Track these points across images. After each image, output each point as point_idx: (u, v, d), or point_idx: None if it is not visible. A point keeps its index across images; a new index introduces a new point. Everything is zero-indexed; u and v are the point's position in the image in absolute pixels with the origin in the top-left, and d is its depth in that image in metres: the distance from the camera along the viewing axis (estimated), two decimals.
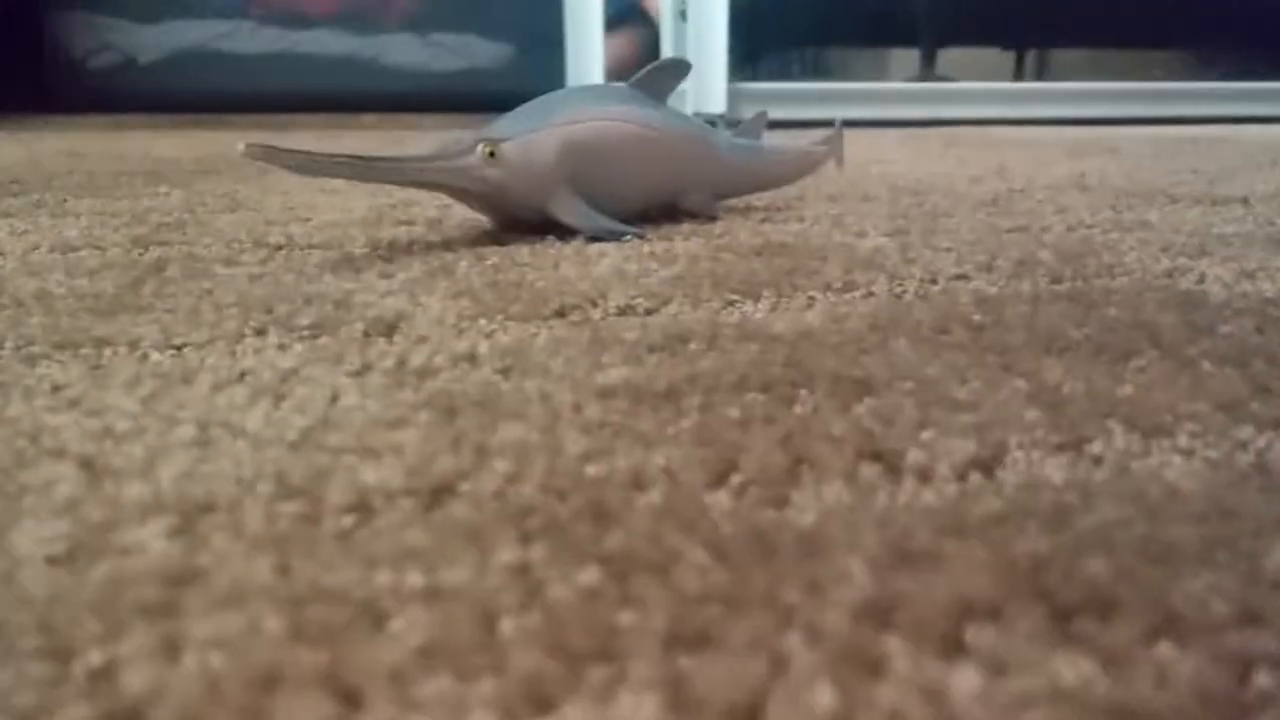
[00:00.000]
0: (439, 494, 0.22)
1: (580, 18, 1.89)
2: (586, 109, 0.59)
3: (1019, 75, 3.07)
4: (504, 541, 0.19)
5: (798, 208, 0.70)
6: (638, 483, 0.23)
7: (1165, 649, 0.16)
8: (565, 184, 0.57)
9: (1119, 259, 0.50)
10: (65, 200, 0.71)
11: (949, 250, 0.52)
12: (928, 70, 3.29)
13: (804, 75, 2.54)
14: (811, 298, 0.42)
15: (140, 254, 0.50)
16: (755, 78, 2.04)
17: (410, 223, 0.62)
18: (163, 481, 0.22)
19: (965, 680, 0.15)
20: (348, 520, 0.20)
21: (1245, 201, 0.73)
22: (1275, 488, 0.22)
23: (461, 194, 0.56)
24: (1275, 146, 1.29)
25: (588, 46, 1.88)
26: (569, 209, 0.57)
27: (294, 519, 0.21)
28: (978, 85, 2.14)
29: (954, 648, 0.16)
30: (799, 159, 0.72)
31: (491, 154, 0.54)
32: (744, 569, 0.18)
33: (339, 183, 0.84)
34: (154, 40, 2.32)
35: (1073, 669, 0.15)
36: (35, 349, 0.33)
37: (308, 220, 0.61)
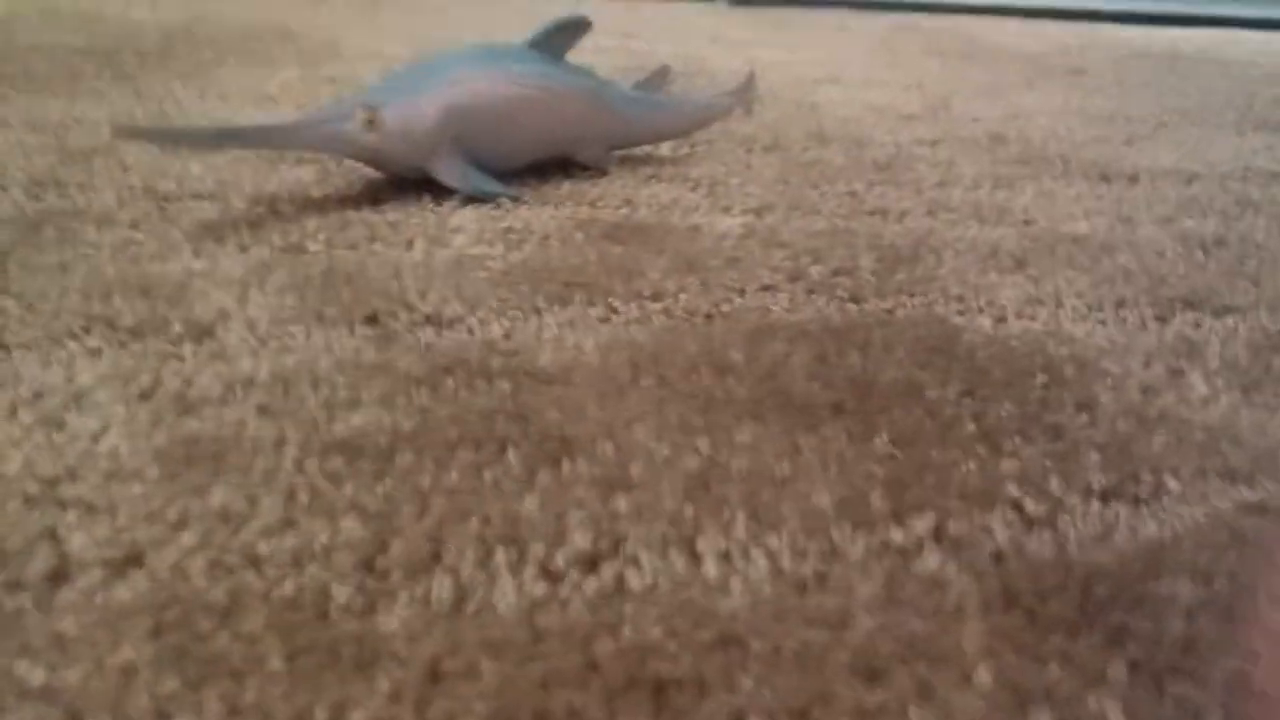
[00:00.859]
0: (124, 566, 0.27)
1: None
2: (473, 72, 0.61)
3: None
4: (132, 637, 0.25)
5: (698, 159, 0.73)
6: (295, 560, 0.28)
7: None
8: (445, 146, 0.60)
9: (932, 272, 0.53)
10: (5, 95, 0.75)
11: (784, 246, 0.56)
12: None
13: None
14: (612, 310, 0.46)
15: (31, 202, 0.55)
16: None
17: (311, 162, 0.66)
18: None
19: None
20: (36, 595, 0.26)
21: (1134, 179, 0.75)
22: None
23: (342, 155, 0.60)
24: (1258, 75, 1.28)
25: None
26: (449, 171, 0.60)
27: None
28: None
29: None
30: (698, 112, 0.75)
31: (370, 120, 0.57)
32: (309, 679, 0.24)
33: (273, 89, 0.87)
34: None
35: None
36: None
37: (207, 160, 0.65)
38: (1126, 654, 0.26)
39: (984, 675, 0.25)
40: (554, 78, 0.65)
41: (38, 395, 0.35)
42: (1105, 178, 0.74)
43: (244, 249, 0.50)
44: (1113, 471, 0.34)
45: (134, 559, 0.28)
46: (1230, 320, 0.48)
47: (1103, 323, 0.48)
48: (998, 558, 0.30)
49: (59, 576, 0.27)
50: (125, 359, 0.39)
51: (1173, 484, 0.34)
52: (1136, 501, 0.33)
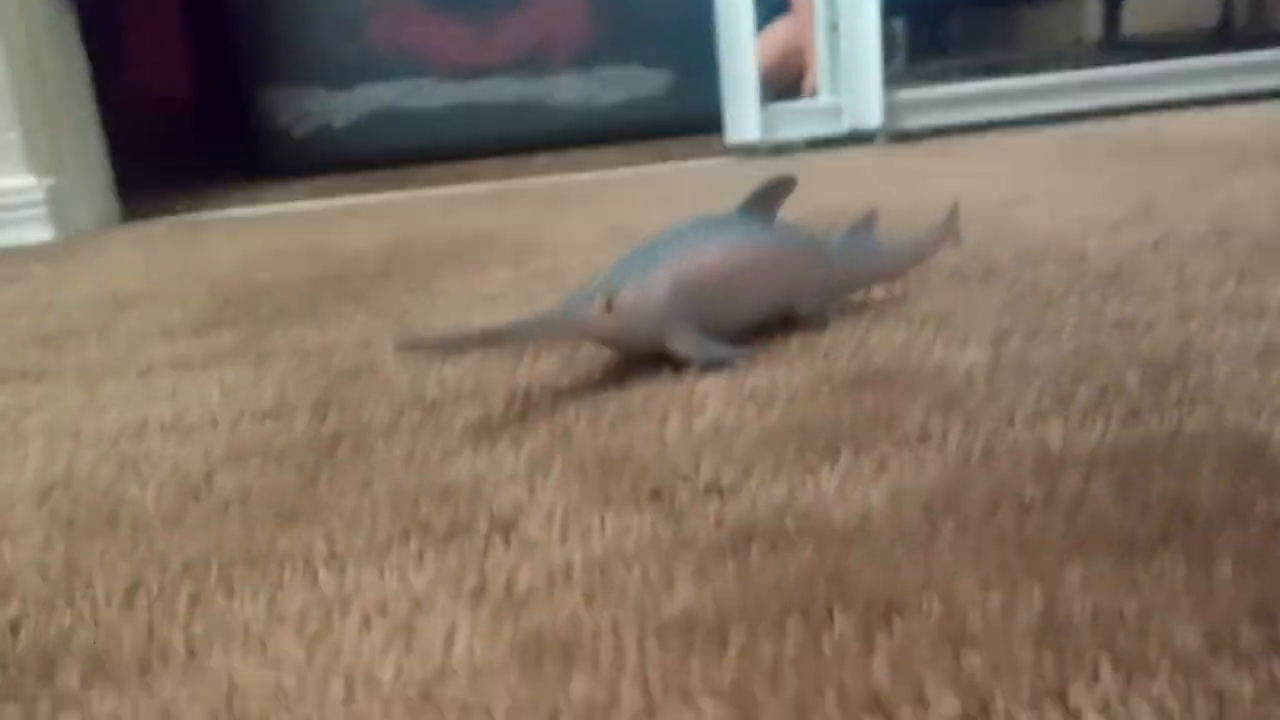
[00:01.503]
0: None
1: (732, 38, 1.92)
2: (695, 244, 0.64)
3: (1225, 27, 2.88)
4: None
5: (914, 297, 0.73)
6: None
7: None
8: (678, 320, 0.63)
9: (1208, 378, 0.51)
10: (269, 334, 0.83)
11: (1037, 372, 0.55)
12: (1112, 32, 3.13)
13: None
14: (884, 458, 0.46)
15: (320, 424, 0.60)
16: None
17: (549, 353, 0.70)
18: None
19: None
20: None
21: None
22: None
23: (585, 340, 0.63)
24: None
25: (741, 66, 1.91)
26: (683, 343, 0.63)
27: None
28: (1157, 67, 2.03)
29: None
30: (910, 252, 0.75)
31: (608, 306, 0.60)
32: None
33: (491, 289, 0.93)
34: (347, 105, 2.51)
35: None
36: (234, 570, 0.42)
37: (460, 363, 0.69)
38: None
39: None
40: (771, 239, 0.67)
41: (382, 604, 0.38)
42: None
43: (517, 443, 0.53)
44: None
45: None
46: None
47: None
48: None
49: None
50: (448, 560, 0.41)
51: None
52: None
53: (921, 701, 0.29)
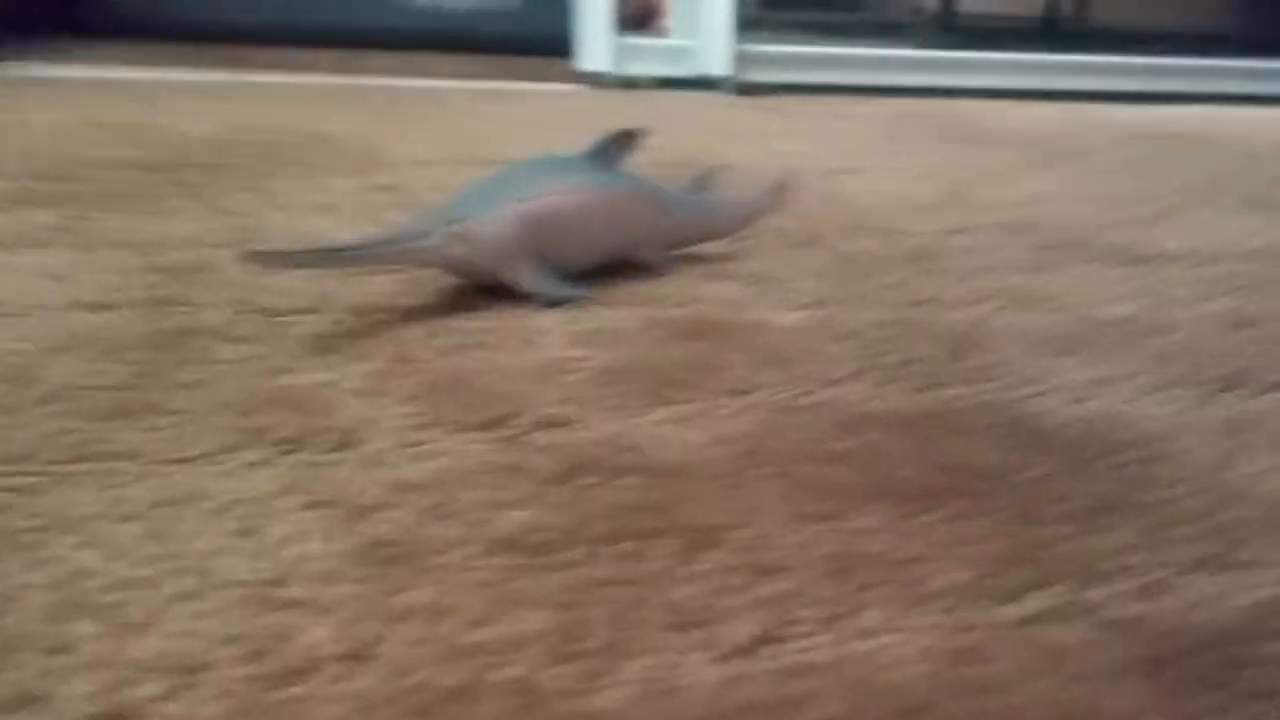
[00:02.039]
0: (359, 659, 0.31)
1: None
2: (544, 183, 0.66)
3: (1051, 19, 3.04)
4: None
5: (744, 256, 0.78)
6: (505, 650, 0.32)
7: None
8: (524, 255, 0.65)
9: (994, 358, 0.58)
10: (92, 218, 0.79)
11: (850, 337, 0.60)
12: (948, 8, 3.25)
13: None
14: (708, 405, 0.50)
15: (159, 320, 0.59)
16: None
17: (392, 272, 0.70)
18: (161, 639, 0.31)
19: None
20: (295, 687, 0.29)
21: (1158, 261, 0.80)
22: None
23: (430, 266, 0.64)
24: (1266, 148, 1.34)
25: None
26: (527, 278, 0.65)
27: (252, 681, 0.30)
28: (996, 56, 2.15)
29: None
30: (744, 212, 0.80)
31: (457, 234, 0.62)
32: None
33: (334, 199, 0.92)
34: None
35: None
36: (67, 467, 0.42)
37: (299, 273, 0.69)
38: (1246, 711, 0.30)
39: None
40: (618, 185, 0.70)
41: (228, 505, 0.39)
42: (1132, 260, 0.79)
43: (361, 359, 0.54)
44: (1205, 542, 0.38)
45: (369, 653, 0.31)
46: (1275, 396, 0.53)
47: (1160, 403, 0.52)
48: (1134, 622, 0.34)
49: (306, 670, 0.30)
50: (294, 469, 0.42)
51: (1259, 549, 0.38)
52: (1236, 569, 0.37)
53: (726, 621, 0.33)
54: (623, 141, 0.71)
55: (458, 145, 1.22)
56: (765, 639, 0.32)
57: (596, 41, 1.89)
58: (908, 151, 1.32)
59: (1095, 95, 2.03)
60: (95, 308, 0.60)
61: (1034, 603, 0.34)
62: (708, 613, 0.34)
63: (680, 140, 1.33)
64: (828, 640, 0.32)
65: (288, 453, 0.44)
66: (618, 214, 0.70)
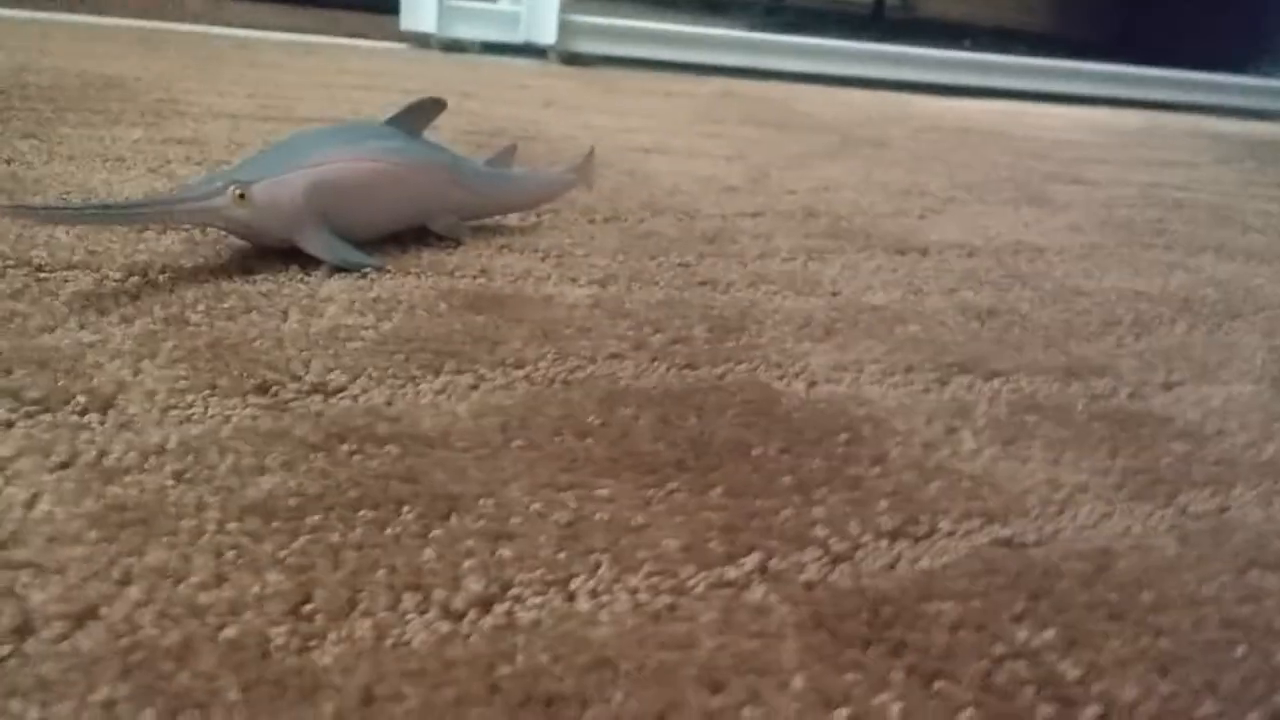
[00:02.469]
0: (82, 619, 0.32)
1: None
2: (337, 149, 0.67)
3: (878, 9, 3.17)
4: (105, 678, 0.29)
5: (544, 230, 0.80)
6: (233, 609, 0.33)
7: None
8: (312, 220, 0.65)
9: (755, 340, 0.62)
10: None
11: (627, 316, 0.63)
12: None
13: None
14: (480, 378, 0.53)
15: None
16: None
17: (176, 231, 0.69)
18: None
19: None
20: (7, 647, 0.30)
21: (924, 252, 0.86)
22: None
23: (213, 227, 0.64)
24: (1045, 146, 1.45)
25: None
26: (315, 243, 0.65)
27: None
28: (825, 42, 2.22)
29: None
30: (543, 187, 0.82)
31: (241, 196, 0.61)
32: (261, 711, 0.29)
33: (122, 150, 0.89)
34: None
35: None
36: None
37: (75, 229, 0.67)
38: (905, 661, 0.34)
39: (799, 683, 0.33)
40: (412, 154, 0.71)
41: None
42: (900, 251, 0.86)
43: (128, 320, 0.54)
44: (899, 515, 0.43)
45: (90, 612, 0.32)
46: (996, 383, 0.59)
47: (895, 386, 0.57)
48: (809, 587, 0.38)
49: (25, 630, 0.31)
50: (39, 431, 0.42)
51: (944, 524, 0.43)
52: (916, 539, 0.42)
53: (457, 584, 0.36)
54: (426, 109, 0.72)
55: (265, 99, 1.20)
56: (488, 599, 0.35)
57: (422, 1, 1.87)
58: (721, 132, 1.36)
59: (906, 85, 2.14)
60: None
61: (734, 569, 0.38)
62: (438, 576, 0.36)
63: (498, 108, 1.33)
64: (545, 600, 0.35)
65: (36, 414, 0.44)
66: (409, 182, 0.71)
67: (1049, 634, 0.36)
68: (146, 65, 1.32)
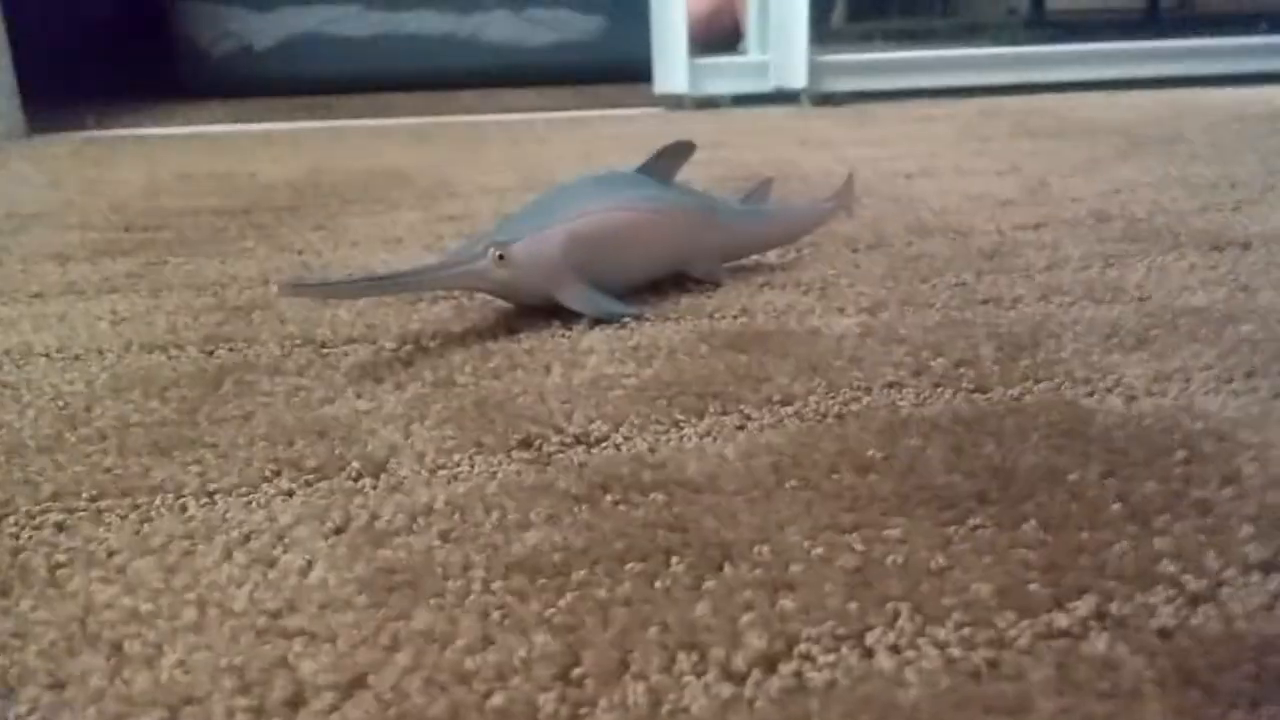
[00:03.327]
0: (351, 688, 0.30)
1: None
2: (591, 201, 0.66)
3: (1152, 9, 2.94)
4: None
5: (806, 263, 0.76)
6: (499, 675, 0.31)
7: None
8: (571, 274, 0.64)
9: (1054, 356, 0.54)
10: (167, 263, 0.82)
11: (902, 342, 0.58)
12: (1038, 6, 3.18)
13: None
14: (746, 417, 0.49)
15: (207, 359, 0.60)
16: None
17: (447, 299, 0.71)
18: (163, 672, 0.31)
19: None
20: (283, 718, 0.29)
21: (1246, 246, 0.75)
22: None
23: (477, 290, 0.65)
24: None
25: (671, 16, 1.91)
26: (574, 297, 0.64)
27: (247, 712, 0.29)
28: (1096, 46, 2.07)
29: None
30: (803, 218, 0.78)
31: (501, 256, 0.62)
32: None
33: (399, 231, 0.93)
34: (269, 26, 2.45)
35: None
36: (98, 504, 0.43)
37: (354, 305, 0.70)
38: None
39: None
40: (666, 200, 0.69)
41: (247, 537, 0.39)
42: (1217, 247, 0.75)
43: (400, 387, 0.55)
44: (1267, 542, 0.35)
45: (359, 681, 0.31)
46: None
47: (1235, 394, 0.48)
48: (1165, 635, 0.31)
49: (296, 701, 0.30)
50: (315, 498, 0.42)
51: None
52: None
53: (736, 641, 0.32)
54: (676, 154, 0.71)
55: (528, 172, 1.23)
56: (773, 657, 0.31)
57: (673, 63, 1.89)
58: (988, 149, 1.28)
59: (1189, 80, 1.94)
60: (152, 348, 0.62)
61: (1064, 615, 0.32)
62: (714, 632, 0.32)
63: (750, 154, 1.31)
64: (838, 658, 0.31)
65: (313, 482, 0.44)
66: (666, 228, 0.69)
67: None
68: (423, 155, 1.40)
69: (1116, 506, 0.38)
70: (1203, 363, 0.52)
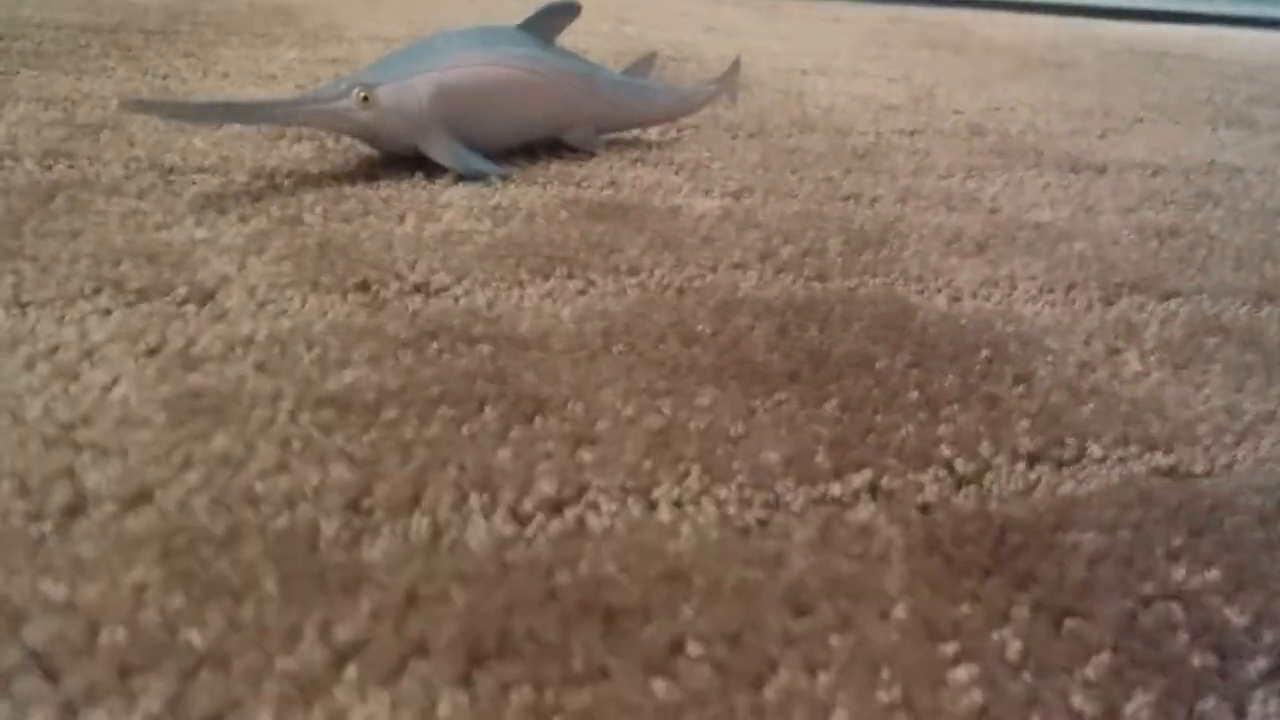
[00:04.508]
0: (135, 502, 0.30)
1: None
2: (466, 54, 0.64)
3: None
4: (142, 561, 0.28)
5: (683, 144, 0.76)
6: (288, 500, 0.31)
7: None
8: (438, 126, 0.63)
9: (896, 254, 0.56)
10: (16, 75, 0.78)
11: (757, 227, 0.59)
12: None
13: None
14: (589, 283, 0.49)
15: (43, 173, 0.58)
16: None
17: (310, 139, 0.69)
18: None
19: None
20: (55, 524, 0.29)
21: (1102, 170, 0.78)
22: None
23: (339, 132, 0.63)
24: (1254, 70, 1.30)
25: None
26: (440, 150, 0.63)
27: (23, 516, 0.29)
28: None
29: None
30: (684, 99, 0.77)
31: (365, 99, 0.60)
32: (297, 600, 0.27)
33: (275, 69, 0.90)
34: None
35: None
36: None
37: (210, 136, 0.68)
38: (1031, 595, 0.29)
39: (901, 611, 0.28)
40: (544, 61, 0.68)
41: (53, 350, 0.38)
42: (1075, 169, 0.77)
43: (244, 220, 0.53)
44: (1040, 437, 0.38)
45: (144, 495, 0.31)
46: (1173, 304, 0.52)
47: (1052, 304, 0.51)
48: (925, 510, 0.33)
49: (76, 509, 0.30)
50: (133, 319, 0.42)
51: (1095, 449, 0.37)
52: (1059, 464, 0.36)
53: (528, 487, 0.33)
54: (559, 13, 0.69)
55: (424, 24, 1.19)
56: (559, 503, 0.32)
57: None
58: (886, 55, 1.28)
59: (1093, 10, 1.97)
60: None
61: (839, 485, 0.34)
62: (510, 477, 0.33)
63: (654, 32, 1.29)
64: (622, 508, 0.32)
65: (134, 304, 0.43)
66: (540, 90, 0.68)
67: (1212, 574, 0.30)
68: None
69: (914, 394, 0.40)
70: (1030, 273, 0.54)
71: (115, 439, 0.33)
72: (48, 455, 0.32)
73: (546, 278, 0.50)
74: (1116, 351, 0.45)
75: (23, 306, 0.42)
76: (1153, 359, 0.45)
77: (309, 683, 0.24)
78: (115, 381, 0.37)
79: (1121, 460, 0.37)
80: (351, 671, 0.25)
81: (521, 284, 0.49)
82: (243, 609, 0.26)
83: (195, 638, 0.25)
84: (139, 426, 0.34)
